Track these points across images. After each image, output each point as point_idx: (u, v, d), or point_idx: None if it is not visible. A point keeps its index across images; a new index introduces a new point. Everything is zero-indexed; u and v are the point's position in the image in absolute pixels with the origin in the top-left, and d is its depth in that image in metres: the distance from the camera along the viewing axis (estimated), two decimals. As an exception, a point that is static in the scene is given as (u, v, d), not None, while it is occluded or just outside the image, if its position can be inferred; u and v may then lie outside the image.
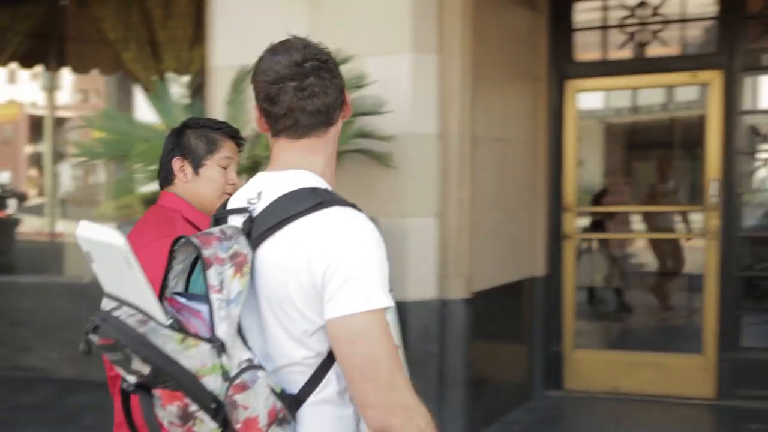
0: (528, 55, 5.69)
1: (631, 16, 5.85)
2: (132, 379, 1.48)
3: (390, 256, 1.63)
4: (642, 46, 5.83)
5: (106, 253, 1.47)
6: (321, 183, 1.62)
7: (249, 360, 1.50)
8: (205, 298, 1.48)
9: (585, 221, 7.63)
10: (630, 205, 8.21)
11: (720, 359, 5.68)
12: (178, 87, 6.69)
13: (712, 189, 5.65)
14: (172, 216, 2.28)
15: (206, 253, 1.49)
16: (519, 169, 5.55)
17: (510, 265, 5.42)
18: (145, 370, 1.44)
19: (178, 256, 1.58)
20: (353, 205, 1.57)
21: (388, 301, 1.52)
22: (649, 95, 9.25)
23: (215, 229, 1.57)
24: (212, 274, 1.48)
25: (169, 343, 1.43)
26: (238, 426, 1.46)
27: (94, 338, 1.46)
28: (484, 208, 4.95)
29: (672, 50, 5.82)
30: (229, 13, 4.68)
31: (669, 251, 7.90)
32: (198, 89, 6.10)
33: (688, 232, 6.05)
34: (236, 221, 1.63)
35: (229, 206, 1.69)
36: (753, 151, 5.67)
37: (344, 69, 3.86)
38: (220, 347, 1.46)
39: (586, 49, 6.03)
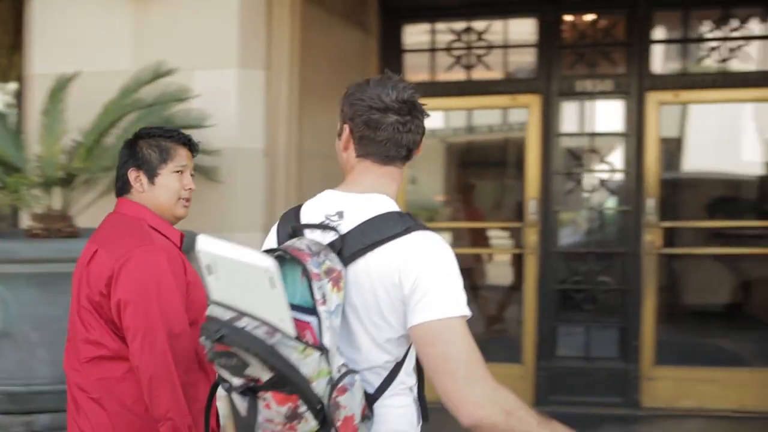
0: (358, 75, 5.80)
1: (457, 40, 6.13)
2: (238, 382, 1.62)
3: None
4: (468, 69, 6.11)
5: (235, 270, 1.62)
6: (398, 207, 1.83)
7: (344, 365, 1.69)
8: (309, 310, 1.64)
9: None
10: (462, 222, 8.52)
11: (537, 368, 6.00)
12: (-1, 95, 6.39)
13: (531, 207, 5.99)
14: (139, 224, 2.34)
15: (308, 267, 1.65)
16: (348, 185, 5.66)
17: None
18: (265, 376, 1.58)
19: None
20: (431, 230, 1.80)
21: (467, 311, 1.74)
22: (487, 116, 9.65)
23: (303, 245, 1.71)
24: (315, 289, 1.64)
25: (294, 354, 1.58)
26: (338, 424, 1.64)
27: (208, 344, 1.63)
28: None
29: (495, 74, 6.13)
30: (48, 20, 4.54)
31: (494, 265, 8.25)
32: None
33: (514, 247, 6.37)
34: (316, 236, 1.81)
35: (304, 220, 1.87)
36: (569, 172, 6.03)
37: (168, 81, 3.84)
38: (326, 354, 1.63)
39: (415, 70, 6.25)
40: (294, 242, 1.75)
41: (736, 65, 5.90)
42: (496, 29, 6.13)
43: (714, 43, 5.89)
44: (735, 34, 5.86)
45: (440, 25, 6.19)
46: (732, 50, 5.88)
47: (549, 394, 5.95)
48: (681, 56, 6.00)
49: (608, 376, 5.94)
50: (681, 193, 6.51)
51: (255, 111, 4.55)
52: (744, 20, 5.84)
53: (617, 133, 6.00)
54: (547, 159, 5.99)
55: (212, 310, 1.67)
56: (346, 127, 1.94)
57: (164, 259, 2.28)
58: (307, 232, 1.84)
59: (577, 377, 5.97)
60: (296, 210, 1.96)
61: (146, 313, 2.19)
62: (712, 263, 7.30)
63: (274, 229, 2.00)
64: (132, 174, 2.42)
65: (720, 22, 5.88)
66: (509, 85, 6.09)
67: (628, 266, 5.88)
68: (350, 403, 1.67)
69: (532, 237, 5.99)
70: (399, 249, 1.73)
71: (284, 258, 1.68)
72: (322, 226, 1.82)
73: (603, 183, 6.03)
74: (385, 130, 1.87)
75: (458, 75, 6.15)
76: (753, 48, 5.87)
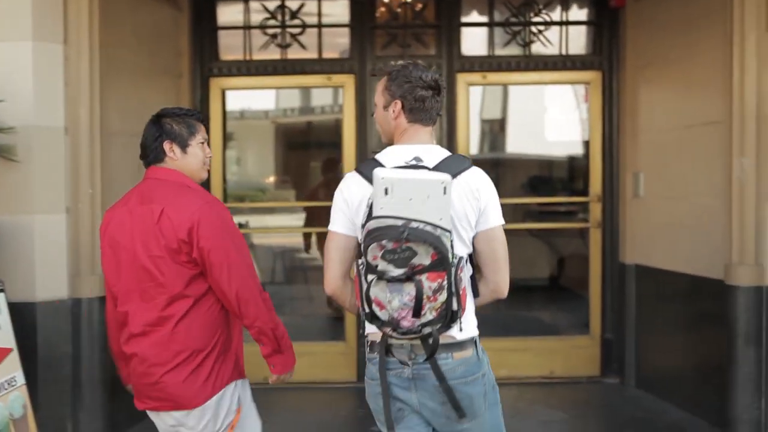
0: (170, 52, 5.72)
1: (271, 18, 6.12)
2: (399, 272, 2.32)
3: (15, 254, 1.77)
4: (283, 48, 6.12)
5: (411, 187, 2.36)
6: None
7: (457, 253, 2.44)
8: None
9: (253, 218, 7.82)
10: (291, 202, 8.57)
11: (359, 345, 6.14)
12: None
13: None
14: (187, 185, 2.87)
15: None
16: (162, 165, 5.53)
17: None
18: (427, 261, 2.33)
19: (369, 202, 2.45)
20: None
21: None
22: (314, 97, 9.70)
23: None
24: None
25: (447, 241, 2.35)
26: (460, 292, 2.41)
27: (389, 244, 2.31)
28: (121, 204, 4.88)
29: (310, 54, 6.16)
30: None
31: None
32: None
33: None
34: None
35: (394, 165, 2.51)
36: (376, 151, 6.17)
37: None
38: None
39: (230, 48, 6.19)
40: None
41: (539, 49, 6.24)
42: (310, 9, 6.16)
43: (518, 27, 6.20)
44: (537, 19, 6.20)
45: (254, 3, 6.15)
46: (534, 34, 6.22)
47: (370, 368, 6.09)
48: (489, 39, 6.26)
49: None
50: (498, 172, 6.81)
51: (54, 87, 4.36)
52: (546, 5, 6.18)
53: (430, 113, 6.20)
54: (363, 138, 6.11)
55: (383, 221, 2.34)
56: (398, 102, 2.60)
57: (225, 209, 2.91)
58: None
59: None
60: (375, 161, 2.59)
61: (227, 251, 2.78)
62: (531, 239, 7.72)
63: (356, 178, 2.57)
64: (167, 145, 2.91)
65: (524, 7, 6.19)
66: (324, 65, 6.15)
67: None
68: (465, 279, 2.49)
69: (350, 215, 6.09)
70: (473, 176, 2.54)
71: None
72: (414, 166, 2.49)
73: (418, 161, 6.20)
74: (428, 103, 2.60)
75: (273, 54, 6.14)
76: (553, 33, 6.22)
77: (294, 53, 6.16)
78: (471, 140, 6.16)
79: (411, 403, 2.56)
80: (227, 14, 6.22)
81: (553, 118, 6.66)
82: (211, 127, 6.06)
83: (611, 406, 5.52)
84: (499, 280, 2.61)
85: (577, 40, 6.32)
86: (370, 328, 2.53)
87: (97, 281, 4.53)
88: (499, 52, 6.24)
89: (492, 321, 6.16)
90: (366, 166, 2.57)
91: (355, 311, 2.63)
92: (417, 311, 2.34)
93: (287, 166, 9.99)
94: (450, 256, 2.35)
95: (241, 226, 7.00)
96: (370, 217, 2.39)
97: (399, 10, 6.19)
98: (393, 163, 2.51)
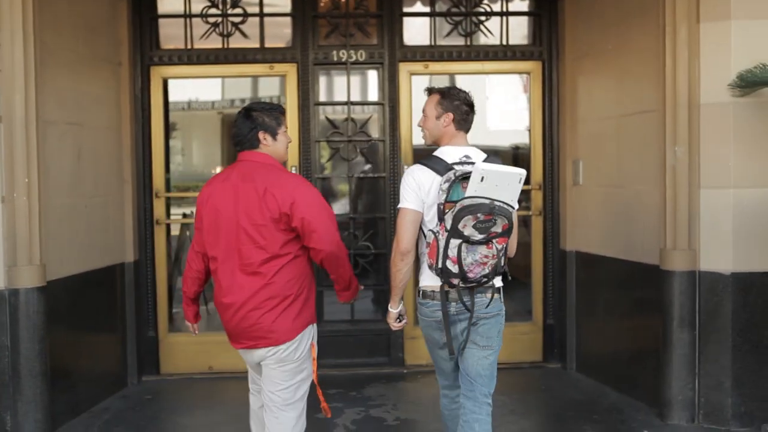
0: (109, 40, 5.63)
1: (212, 7, 6.07)
2: (481, 236, 3.23)
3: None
4: (224, 37, 6.07)
5: (499, 177, 3.20)
6: None
7: None
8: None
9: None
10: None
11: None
12: None
13: (293, 174, 6.10)
14: (280, 167, 3.53)
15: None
16: (102, 154, 5.47)
17: (95, 251, 5.32)
18: (500, 229, 3.25)
19: (443, 186, 3.33)
20: None
21: None
22: (248, 86, 9.62)
23: (460, 173, 3.33)
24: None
25: (514, 214, 3.30)
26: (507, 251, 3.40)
27: (481, 216, 3.20)
28: (58, 194, 4.81)
29: (252, 43, 6.12)
30: None
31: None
32: None
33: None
34: (461, 168, 3.34)
35: (450, 160, 3.42)
36: (328, 140, 6.18)
37: None
38: None
39: (171, 38, 6.12)
40: (466, 168, 3.33)
41: (480, 39, 6.30)
42: (252, -3, 6.13)
43: (459, 17, 6.25)
44: (478, 9, 6.26)
45: (195, -9, 6.09)
46: (476, 24, 6.28)
47: (318, 357, 6.08)
48: (431, 29, 6.30)
49: (374, 336, 6.20)
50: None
51: (-14, 74, 4.27)
52: (487, -4, 6.26)
53: (373, 102, 6.22)
54: (306, 127, 6.10)
55: (478, 200, 3.20)
56: (450, 114, 3.54)
57: (314, 187, 3.63)
58: (457, 167, 3.37)
59: (344, 340, 6.17)
60: (437, 157, 3.47)
61: (322, 221, 3.41)
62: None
63: (424, 169, 3.44)
64: (261, 135, 3.51)
65: (465, -2, 6.26)
66: (266, 54, 6.12)
67: (387, 231, 6.15)
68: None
69: (293, 204, 6.09)
70: (519, 175, 3.26)
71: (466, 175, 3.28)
72: (465, 162, 3.39)
73: (361, 151, 6.24)
74: (469, 116, 3.58)
75: (215, 43, 6.08)
76: (494, 23, 6.29)
77: (236, 42, 6.11)
78: (414, 129, 6.20)
79: (455, 333, 3.48)
80: (167, 2, 6.14)
81: (494, 108, 6.72)
82: (152, 116, 6.00)
83: (552, 389, 5.63)
84: (515, 246, 3.51)
85: (518, 31, 6.40)
86: (430, 281, 3.46)
87: (36, 271, 4.46)
88: (441, 42, 6.29)
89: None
90: (433, 161, 3.46)
91: (404, 270, 3.48)
92: (487, 266, 3.31)
93: (232, 156, 9.90)
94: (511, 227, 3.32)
95: (184, 215, 6.95)
96: (456, 197, 3.26)
97: (341, 0, 6.20)
98: (450, 159, 3.42)
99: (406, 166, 6.10)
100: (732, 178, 4.67)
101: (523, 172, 3.24)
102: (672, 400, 4.82)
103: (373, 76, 6.28)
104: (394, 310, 3.61)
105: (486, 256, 3.27)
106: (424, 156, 3.54)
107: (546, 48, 6.26)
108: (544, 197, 6.24)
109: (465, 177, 3.27)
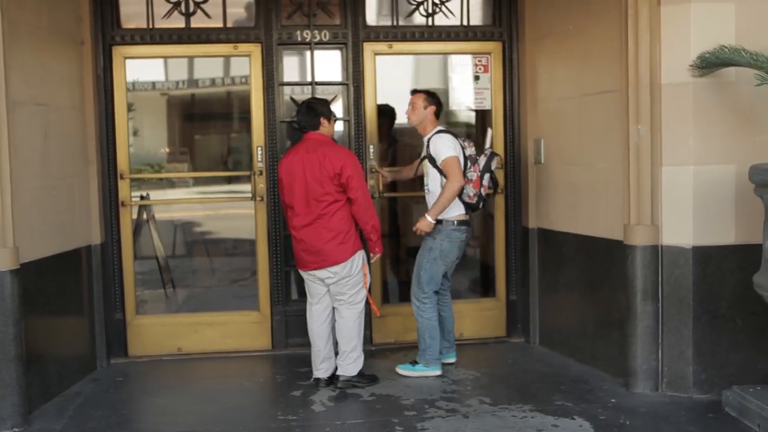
0: (71, 18, 5.52)
1: (175, -15, 6.00)
2: (488, 177, 5.46)
3: None
4: (186, 16, 6.01)
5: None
6: None
7: None
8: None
9: (155, 192, 7.69)
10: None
11: (273, 313, 6.18)
12: None
13: (258, 155, 6.09)
14: (333, 142, 5.25)
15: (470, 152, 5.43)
16: (67, 135, 5.38)
17: (63, 233, 5.25)
18: (493, 166, 5.51)
19: (464, 144, 5.40)
20: None
21: None
22: (211, 69, 9.53)
23: (463, 138, 5.51)
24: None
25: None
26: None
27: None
28: (28, 176, 4.73)
29: (215, 23, 6.07)
30: None
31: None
32: None
33: (251, 197, 6.35)
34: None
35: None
36: (293, 120, 6.18)
37: None
38: None
39: (132, 16, 6.03)
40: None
41: (441, 20, 6.37)
42: (214, -24, 6.07)
43: (421, -2, 6.31)
44: (439, -11, 6.32)
45: (157, -31, 6.01)
46: (437, 5, 6.34)
47: (287, 337, 6.16)
48: (392, 9, 6.33)
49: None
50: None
51: (-47, 53, 4.16)
52: (447, -23, 6.32)
53: (337, 83, 6.24)
54: (271, 108, 6.09)
55: (487, 151, 5.54)
56: (433, 107, 5.38)
57: (355, 156, 5.29)
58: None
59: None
60: (447, 130, 5.46)
61: (359, 179, 5.07)
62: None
63: (450, 135, 5.36)
64: (322, 120, 5.14)
65: (426, -22, 6.31)
66: (230, 34, 6.07)
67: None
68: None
69: (260, 185, 6.10)
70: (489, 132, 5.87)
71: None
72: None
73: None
74: (441, 109, 5.45)
75: (177, 22, 6.01)
76: (455, 4, 6.36)
77: (198, 22, 6.05)
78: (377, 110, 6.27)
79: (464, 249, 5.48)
80: (128, -20, 6.05)
81: (456, 88, 6.81)
82: (115, 96, 5.92)
83: (518, 363, 5.78)
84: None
85: (478, 12, 6.49)
86: (460, 212, 5.30)
87: (9, 254, 4.39)
88: (404, 22, 6.33)
89: (403, 286, 6.34)
90: (449, 131, 5.43)
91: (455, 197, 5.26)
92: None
93: (182, 138, 9.82)
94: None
95: (142, 198, 6.89)
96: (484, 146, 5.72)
97: (304, -21, 6.18)
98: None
99: (371, 146, 6.15)
100: (692, 155, 4.84)
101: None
102: (637, 370, 5.00)
103: (336, 56, 6.29)
104: (434, 221, 5.25)
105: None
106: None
107: (506, 29, 6.36)
108: (506, 175, 6.36)
109: (464, 139, 5.39)
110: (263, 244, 6.15)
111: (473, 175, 5.32)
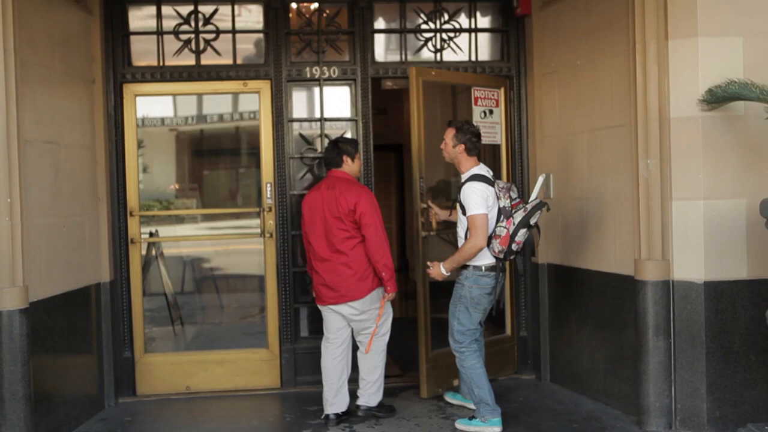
0: (82, 57, 5.58)
1: (185, 24, 6.06)
2: (534, 221, 4.95)
3: None
4: (197, 53, 6.06)
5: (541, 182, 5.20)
6: None
7: None
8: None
9: (164, 228, 7.70)
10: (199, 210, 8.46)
11: (282, 351, 6.14)
12: None
13: (267, 191, 6.10)
14: (353, 180, 5.30)
15: (513, 195, 5.10)
16: (77, 173, 5.40)
17: (72, 271, 5.25)
18: (534, 221, 4.94)
19: (500, 194, 4.99)
20: None
21: None
22: (221, 105, 9.61)
23: (504, 185, 5.06)
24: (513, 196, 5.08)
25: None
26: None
27: (538, 209, 4.99)
28: (37, 214, 4.74)
29: (225, 60, 6.13)
30: None
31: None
32: None
33: (260, 234, 6.34)
34: (499, 181, 5.10)
35: (489, 176, 5.04)
36: (302, 156, 6.20)
37: None
38: None
39: (143, 54, 6.09)
40: (502, 184, 5.03)
41: (449, 55, 6.41)
42: (224, 14, 6.13)
43: (429, 34, 6.35)
44: (447, 26, 6.37)
45: (167, 8, 6.07)
46: (445, 41, 6.39)
47: (296, 375, 6.11)
48: (402, 45, 6.36)
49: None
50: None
51: (-33, 93, 4.19)
52: (455, 13, 6.37)
53: (346, 118, 6.26)
54: (280, 144, 6.12)
55: (538, 201, 4.98)
56: (462, 145, 5.04)
57: (371, 193, 5.24)
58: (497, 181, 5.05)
59: (319, 357, 6.14)
60: (481, 175, 4.98)
61: (372, 216, 5.08)
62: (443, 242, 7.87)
63: (482, 185, 4.94)
64: (345, 157, 5.29)
65: (434, 15, 6.36)
66: (239, 71, 6.12)
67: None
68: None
69: (269, 221, 6.10)
70: (540, 179, 5.23)
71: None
72: (494, 177, 5.05)
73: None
74: (475, 144, 5.07)
75: (187, 60, 6.07)
76: (463, 40, 6.40)
77: (208, 59, 6.11)
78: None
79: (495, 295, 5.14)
80: (139, 19, 6.12)
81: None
82: (126, 134, 5.96)
83: (529, 400, 5.72)
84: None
85: (486, 47, 6.53)
86: (490, 260, 4.99)
87: (18, 293, 4.39)
88: (412, 58, 6.37)
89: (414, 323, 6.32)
90: (480, 177, 4.97)
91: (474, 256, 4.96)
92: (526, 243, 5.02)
93: (192, 174, 9.86)
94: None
95: (151, 234, 6.89)
96: (513, 201, 4.99)
97: (313, 17, 6.24)
98: (488, 175, 5.05)
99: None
100: (702, 189, 4.82)
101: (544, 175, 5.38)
102: (650, 407, 4.93)
103: (345, 92, 6.31)
104: (448, 273, 5.05)
105: (530, 236, 4.96)
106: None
107: (514, 64, 6.39)
108: (516, 210, 6.32)
109: (508, 187, 5.02)
110: (272, 280, 6.14)
111: (502, 230, 4.92)
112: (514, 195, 5.02)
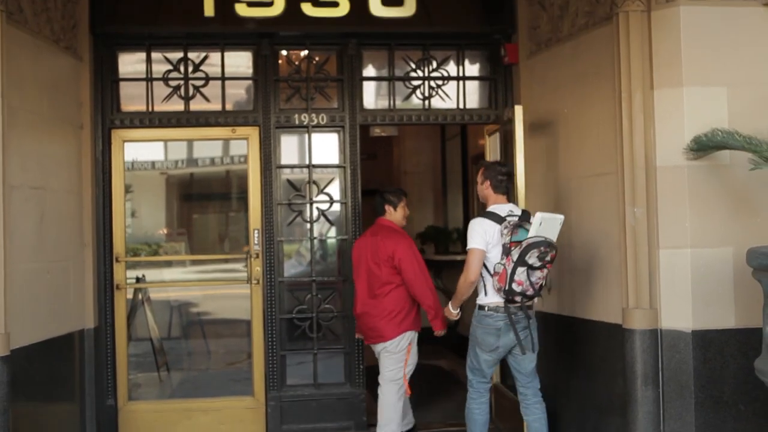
0: (71, 103, 5.60)
1: (174, 70, 6.09)
2: (539, 263, 4.67)
3: None
4: (186, 99, 6.09)
5: (551, 220, 4.77)
6: None
7: None
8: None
9: (151, 272, 7.63)
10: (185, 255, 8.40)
11: (267, 398, 6.06)
12: None
13: (255, 238, 6.08)
14: (395, 228, 5.65)
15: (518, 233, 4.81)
16: (63, 218, 5.38)
17: (56, 318, 5.19)
18: (550, 258, 4.70)
19: (504, 232, 4.78)
20: None
21: None
22: (209, 148, 9.63)
23: (514, 223, 4.82)
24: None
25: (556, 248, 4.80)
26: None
27: (542, 249, 4.69)
28: (21, 259, 4.70)
29: (214, 106, 6.16)
30: None
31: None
32: None
33: (246, 280, 6.32)
34: (512, 219, 4.83)
35: (503, 214, 4.86)
36: (290, 203, 6.20)
37: None
38: None
39: (132, 99, 6.12)
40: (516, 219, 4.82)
41: (437, 102, 6.46)
42: (213, 60, 6.18)
43: (417, 82, 6.40)
44: (435, 74, 6.43)
45: (156, 54, 6.11)
46: (433, 89, 6.44)
47: (281, 423, 6.03)
48: (391, 92, 6.41)
49: (337, 400, 6.17)
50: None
51: (-48, 139, 4.18)
52: (443, 61, 6.43)
53: (335, 165, 6.28)
54: (268, 190, 6.12)
55: (539, 239, 4.64)
56: (488, 182, 5.00)
57: (410, 240, 5.62)
58: (508, 218, 4.82)
59: (307, 404, 6.12)
60: (492, 212, 4.88)
61: (410, 262, 5.44)
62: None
63: (485, 220, 4.86)
64: (387, 207, 5.67)
65: (422, 62, 6.42)
66: (228, 117, 6.15)
67: (349, 293, 6.15)
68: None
69: (257, 268, 6.07)
70: (560, 220, 4.81)
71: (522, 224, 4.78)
72: (511, 215, 4.85)
73: (322, 213, 6.27)
74: (502, 182, 5.01)
75: (176, 105, 6.10)
76: (451, 87, 6.45)
77: (197, 105, 6.15)
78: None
79: (509, 338, 4.85)
80: (129, 64, 6.16)
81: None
82: (113, 179, 5.95)
83: (517, 449, 5.64)
84: None
85: (474, 95, 6.58)
86: (494, 299, 4.81)
87: (1, 340, 4.32)
88: (400, 105, 6.41)
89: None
90: (489, 215, 4.88)
91: (470, 292, 4.95)
92: (541, 286, 4.76)
93: (180, 218, 9.83)
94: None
95: (138, 279, 6.84)
96: (521, 237, 4.69)
97: (302, 63, 6.29)
98: (502, 213, 4.86)
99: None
100: (689, 237, 4.82)
101: (562, 217, 4.84)
102: (639, 457, 4.87)
103: (334, 138, 6.34)
104: (455, 311, 5.09)
105: (540, 278, 4.69)
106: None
107: (502, 112, 6.43)
108: (503, 257, 6.31)
109: (517, 225, 4.77)
110: (259, 327, 6.09)
111: (500, 267, 4.73)
112: (521, 233, 4.75)
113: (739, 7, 4.88)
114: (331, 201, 6.26)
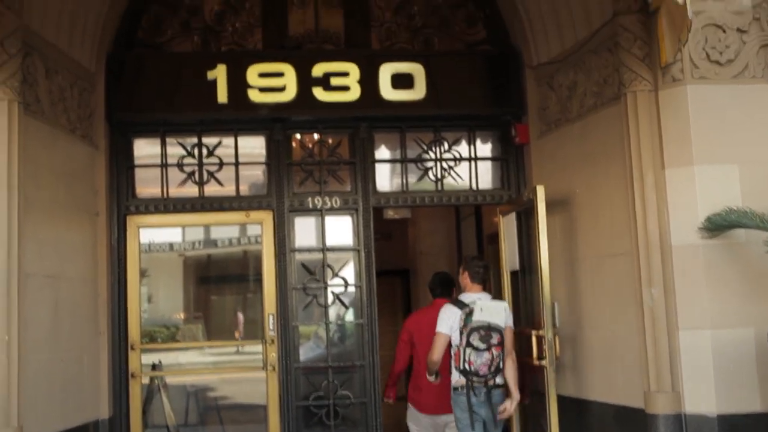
0: (87, 190, 5.67)
1: (189, 156, 6.17)
2: (484, 346, 4.84)
3: None
4: (200, 185, 6.15)
5: (491, 307, 4.94)
6: None
7: None
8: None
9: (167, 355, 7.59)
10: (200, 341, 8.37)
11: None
12: None
13: (270, 323, 6.05)
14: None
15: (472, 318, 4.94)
16: (78, 306, 5.39)
17: (70, 409, 5.15)
18: (495, 341, 4.83)
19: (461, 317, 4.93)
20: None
21: None
22: (223, 231, 9.68)
23: (467, 310, 4.93)
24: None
25: (507, 331, 4.96)
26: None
27: (483, 332, 4.86)
28: (35, 350, 4.69)
29: (228, 190, 6.21)
30: None
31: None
32: None
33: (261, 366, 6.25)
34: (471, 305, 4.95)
35: (467, 301, 4.97)
36: (304, 287, 6.18)
37: None
38: None
39: (147, 184, 6.18)
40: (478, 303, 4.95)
41: (450, 183, 6.48)
42: (227, 145, 6.25)
43: (430, 163, 6.44)
44: (447, 155, 6.47)
45: (171, 140, 6.21)
46: (445, 170, 6.46)
47: None
48: (403, 174, 6.44)
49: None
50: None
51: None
52: (455, 142, 6.48)
53: (348, 248, 6.27)
54: (283, 275, 6.10)
55: (481, 323, 4.82)
56: (466, 273, 5.14)
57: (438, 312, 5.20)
58: (471, 304, 4.93)
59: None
60: (458, 300, 5.07)
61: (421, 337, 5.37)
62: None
63: (452, 307, 5.01)
64: (453, 290, 5.59)
65: (434, 144, 6.47)
66: (242, 202, 6.19)
67: (365, 378, 6.08)
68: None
69: (272, 354, 6.02)
70: (503, 306, 5.06)
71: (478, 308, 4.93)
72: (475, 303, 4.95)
73: (337, 297, 6.24)
74: (479, 273, 5.13)
75: (191, 190, 6.15)
76: (463, 168, 6.48)
77: (212, 189, 6.20)
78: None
79: (482, 414, 4.92)
80: (144, 151, 6.25)
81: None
82: (128, 265, 5.97)
83: None
84: (510, 349, 5.04)
85: (487, 176, 6.59)
86: (459, 379, 4.95)
87: (10, 433, 4.29)
88: (414, 187, 6.43)
89: None
90: (457, 302, 5.06)
91: (435, 370, 5.07)
92: (490, 366, 4.85)
93: (197, 300, 9.83)
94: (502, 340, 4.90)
95: (154, 366, 6.78)
96: (468, 322, 4.85)
97: (314, 147, 6.36)
98: (467, 300, 5.00)
99: None
100: (708, 318, 4.74)
101: (505, 303, 5.25)
102: None
103: (347, 221, 6.35)
104: (431, 377, 5.15)
105: (489, 359, 4.86)
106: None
107: (515, 192, 6.43)
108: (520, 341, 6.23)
109: (471, 311, 4.91)
110: (275, 414, 6.01)
111: (455, 349, 4.95)
112: (475, 318, 4.89)
113: (746, 85, 4.91)
114: (346, 284, 6.23)
